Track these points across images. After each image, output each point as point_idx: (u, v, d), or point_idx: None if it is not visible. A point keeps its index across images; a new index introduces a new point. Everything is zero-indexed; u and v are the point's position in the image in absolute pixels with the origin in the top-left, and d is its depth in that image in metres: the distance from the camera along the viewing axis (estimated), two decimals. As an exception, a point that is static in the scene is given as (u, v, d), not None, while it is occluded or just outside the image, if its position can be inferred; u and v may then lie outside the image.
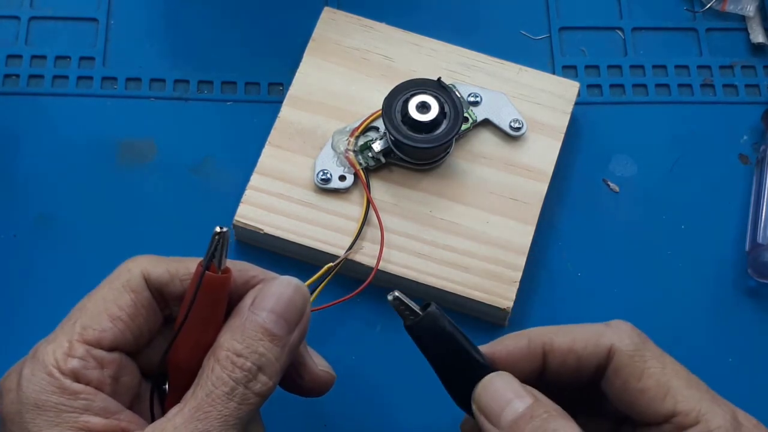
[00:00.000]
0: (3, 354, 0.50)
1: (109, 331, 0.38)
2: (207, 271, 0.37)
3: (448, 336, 0.39)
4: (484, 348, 0.40)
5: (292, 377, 0.41)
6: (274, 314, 0.38)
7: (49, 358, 0.37)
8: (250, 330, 0.37)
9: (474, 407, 0.38)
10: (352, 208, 0.52)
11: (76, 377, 0.37)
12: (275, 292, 0.39)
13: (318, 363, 0.42)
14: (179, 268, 0.40)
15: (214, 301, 0.38)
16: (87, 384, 0.37)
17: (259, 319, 0.38)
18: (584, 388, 0.40)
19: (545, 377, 0.40)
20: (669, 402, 0.37)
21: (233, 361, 0.37)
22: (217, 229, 0.37)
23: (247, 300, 0.39)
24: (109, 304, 0.38)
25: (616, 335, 0.39)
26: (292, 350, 0.39)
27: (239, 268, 0.40)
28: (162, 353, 0.39)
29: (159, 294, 0.39)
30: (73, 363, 0.37)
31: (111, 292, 0.39)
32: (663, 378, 0.38)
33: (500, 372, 0.39)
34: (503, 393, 0.38)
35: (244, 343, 0.37)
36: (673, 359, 0.39)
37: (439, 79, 0.52)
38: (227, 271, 0.38)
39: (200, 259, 0.38)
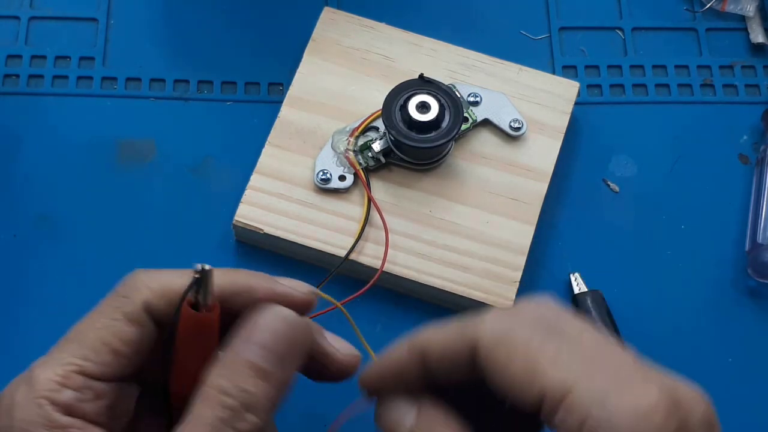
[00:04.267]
0: (3, 354, 0.50)
1: (109, 366, 0.36)
2: (192, 311, 0.36)
3: None
4: (372, 367, 0.40)
5: (317, 369, 0.40)
6: (265, 350, 0.36)
7: (41, 386, 0.35)
8: (239, 366, 0.35)
9: None
10: (352, 208, 0.52)
11: (69, 410, 0.35)
12: (267, 326, 0.36)
13: (340, 348, 0.41)
14: (181, 293, 0.37)
15: (201, 338, 0.37)
16: (82, 417, 0.36)
17: (249, 354, 0.36)
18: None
19: (435, 380, 0.38)
20: (536, 383, 0.34)
21: (218, 400, 0.35)
22: (198, 266, 0.35)
23: (239, 332, 0.37)
24: (112, 336, 0.37)
25: (479, 326, 0.36)
26: (285, 384, 0.37)
27: (244, 289, 0.38)
28: (160, 385, 0.38)
29: (162, 322, 0.38)
30: (68, 395, 0.35)
31: (114, 322, 0.37)
32: (528, 359, 0.35)
33: (388, 396, 0.39)
34: (392, 415, 0.38)
35: (230, 380, 0.35)
36: (546, 334, 0.36)
37: (421, 75, 0.52)
38: (213, 308, 0.36)
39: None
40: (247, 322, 0.37)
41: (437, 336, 0.38)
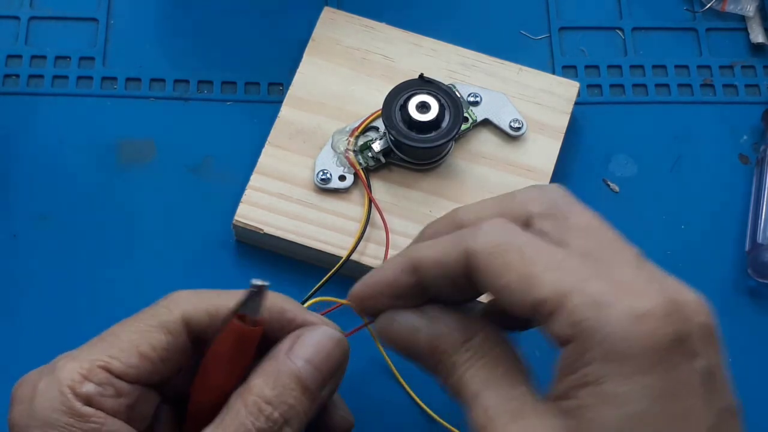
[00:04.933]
0: (3, 354, 0.50)
1: (134, 368, 0.37)
2: (240, 323, 0.37)
3: None
4: (363, 284, 0.38)
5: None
6: (310, 365, 0.37)
7: (65, 376, 0.36)
8: (285, 378, 0.36)
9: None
10: (352, 208, 0.52)
11: (89, 402, 0.36)
12: (315, 343, 0.37)
13: (340, 407, 0.41)
14: (220, 309, 0.38)
15: (241, 352, 0.37)
16: (99, 410, 0.36)
17: (294, 368, 0.36)
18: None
19: (433, 294, 0.37)
20: (532, 292, 0.33)
21: (260, 409, 0.36)
22: (257, 282, 0.36)
23: (285, 344, 0.37)
24: (143, 340, 0.37)
25: (472, 236, 0.35)
26: (321, 404, 0.38)
27: (277, 308, 0.39)
28: (183, 388, 0.39)
29: (196, 337, 0.38)
30: (89, 388, 0.36)
31: (147, 328, 0.38)
32: (523, 268, 0.33)
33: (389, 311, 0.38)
34: (404, 323, 0.37)
35: (275, 391, 0.36)
36: (545, 243, 0.34)
37: (421, 75, 0.52)
38: (259, 323, 0.37)
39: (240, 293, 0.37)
40: (295, 337, 0.38)
41: (430, 250, 0.36)
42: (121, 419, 0.36)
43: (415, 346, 0.37)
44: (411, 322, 0.37)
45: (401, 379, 0.50)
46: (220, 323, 0.37)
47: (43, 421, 0.35)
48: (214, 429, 0.36)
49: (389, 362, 0.50)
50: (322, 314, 0.44)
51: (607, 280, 0.33)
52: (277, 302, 0.39)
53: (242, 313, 0.37)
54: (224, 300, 0.38)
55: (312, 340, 0.37)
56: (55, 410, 0.35)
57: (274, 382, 0.36)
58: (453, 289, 0.36)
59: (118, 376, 0.37)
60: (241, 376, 0.37)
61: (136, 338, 0.37)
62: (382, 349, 0.50)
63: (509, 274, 0.34)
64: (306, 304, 0.47)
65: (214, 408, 0.37)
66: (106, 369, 0.36)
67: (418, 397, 0.50)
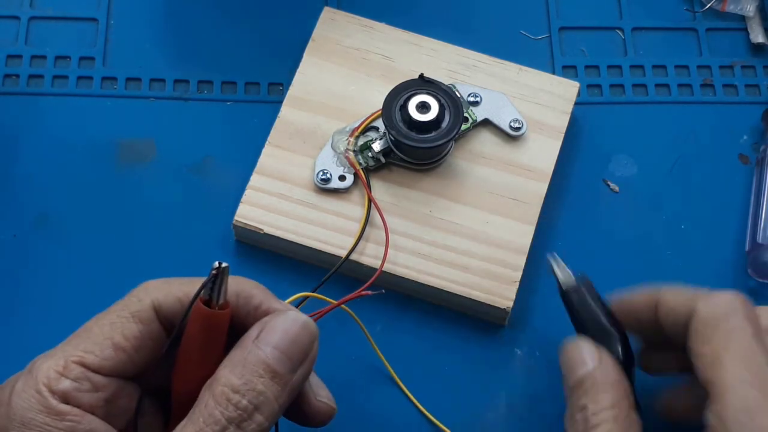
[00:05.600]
0: (2, 355, 0.50)
1: (110, 360, 0.37)
2: (206, 307, 0.37)
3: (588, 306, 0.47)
4: (617, 299, 0.46)
5: (290, 406, 0.40)
6: (278, 351, 0.37)
7: (41, 375, 0.36)
8: (252, 365, 0.36)
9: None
10: (352, 208, 0.52)
11: (66, 398, 0.36)
12: (282, 328, 0.37)
13: (319, 393, 0.41)
14: (190, 295, 0.38)
15: (211, 336, 0.37)
16: (77, 406, 0.36)
17: (262, 354, 0.36)
18: None
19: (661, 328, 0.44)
20: (711, 371, 0.39)
21: (228, 398, 0.35)
22: (216, 264, 0.36)
23: (252, 332, 0.37)
24: (116, 332, 0.37)
25: (703, 301, 0.41)
26: (293, 390, 0.37)
27: (245, 294, 0.39)
28: (156, 378, 0.39)
29: (169, 323, 0.38)
30: (65, 384, 0.36)
31: (119, 319, 0.38)
32: (719, 349, 0.39)
33: (581, 336, 0.44)
34: (576, 354, 0.43)
35: (242, 379, 0.36)
36: (752, 337, 0.40)
37: (421, 75, 0.52)
38: (225, 306, 0.37)
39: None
40: (262, 324, 0.38)
41: (670, 294, 0.43)
42: (99, 414, 0.37)
43: (575, 375, 0.42)
44: (585, 352, 0.43)
45: (402, 385, 0.50)
46: (186, 309, 0.37)
47: (20, 421, 0.35)
48: (185, 422, 0.36)
49: (390, 369, 0.50)
50: (314, 314, 0.44)
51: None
52: (246, 288, 0.39)
53: (207, 298, 0.37)
54: (194, 286, 0.38)
55: (279, 326, 0.37)
56: (32, 409, 0.35)
57: (242, 370, 0.36)
58: (678, 332, 0.42)
59: (94, 370, 0.37)
60: (217, 364, 0.37)
61: (109, 330, 0.37)
62: (382, 355, 0.50)
63: (706, 347, 0.40)
64: (301, 305, 0.47)
65: (194, 398, 0.37)
66: (82, 364, 0.36)
67: (419, 402, 0.50)
